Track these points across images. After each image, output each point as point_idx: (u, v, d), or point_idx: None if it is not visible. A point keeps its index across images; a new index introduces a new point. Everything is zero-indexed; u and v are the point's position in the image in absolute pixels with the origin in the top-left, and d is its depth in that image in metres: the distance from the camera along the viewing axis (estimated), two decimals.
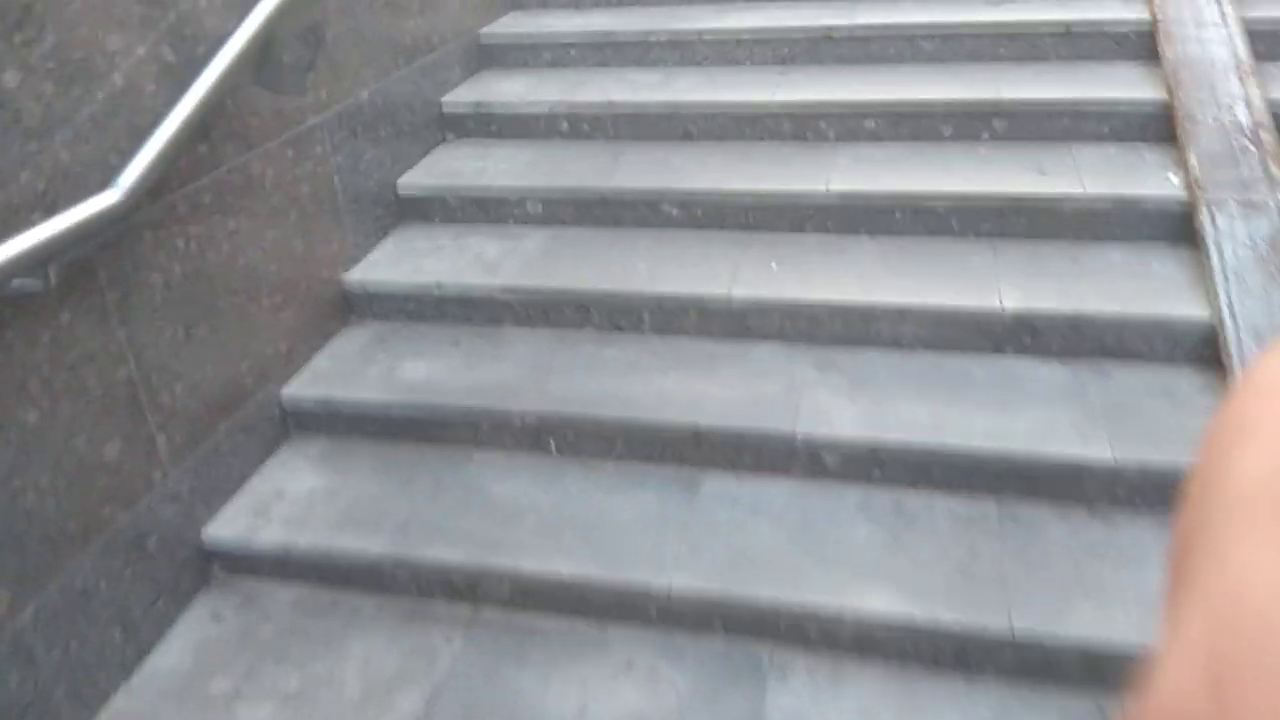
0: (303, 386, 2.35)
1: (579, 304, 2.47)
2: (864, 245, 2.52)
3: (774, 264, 2.47)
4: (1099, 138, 2.67)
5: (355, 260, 2.63)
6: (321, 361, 2.44)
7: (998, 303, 2.23)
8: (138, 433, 1.91)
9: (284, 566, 2.05)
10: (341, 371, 2.39)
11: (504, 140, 3.06)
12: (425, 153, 2.98)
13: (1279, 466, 0.25)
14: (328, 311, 2.52)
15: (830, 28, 3.08)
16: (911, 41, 3.04)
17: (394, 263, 2.64)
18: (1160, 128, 2.61)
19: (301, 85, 2.37)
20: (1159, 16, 2.81)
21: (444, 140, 3.09)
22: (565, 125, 3.03)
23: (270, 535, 2.05)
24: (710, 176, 2.70)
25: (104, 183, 1.75)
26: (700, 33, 3.18)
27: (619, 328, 2.47)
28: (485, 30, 3.33)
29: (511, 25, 3.42)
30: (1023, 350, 2.24)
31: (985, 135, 2.75)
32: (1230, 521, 0.25)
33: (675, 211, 2.68)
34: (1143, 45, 2.87)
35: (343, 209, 2.56)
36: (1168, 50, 2.69)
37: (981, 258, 2.42)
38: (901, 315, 2.28)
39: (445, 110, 3.07)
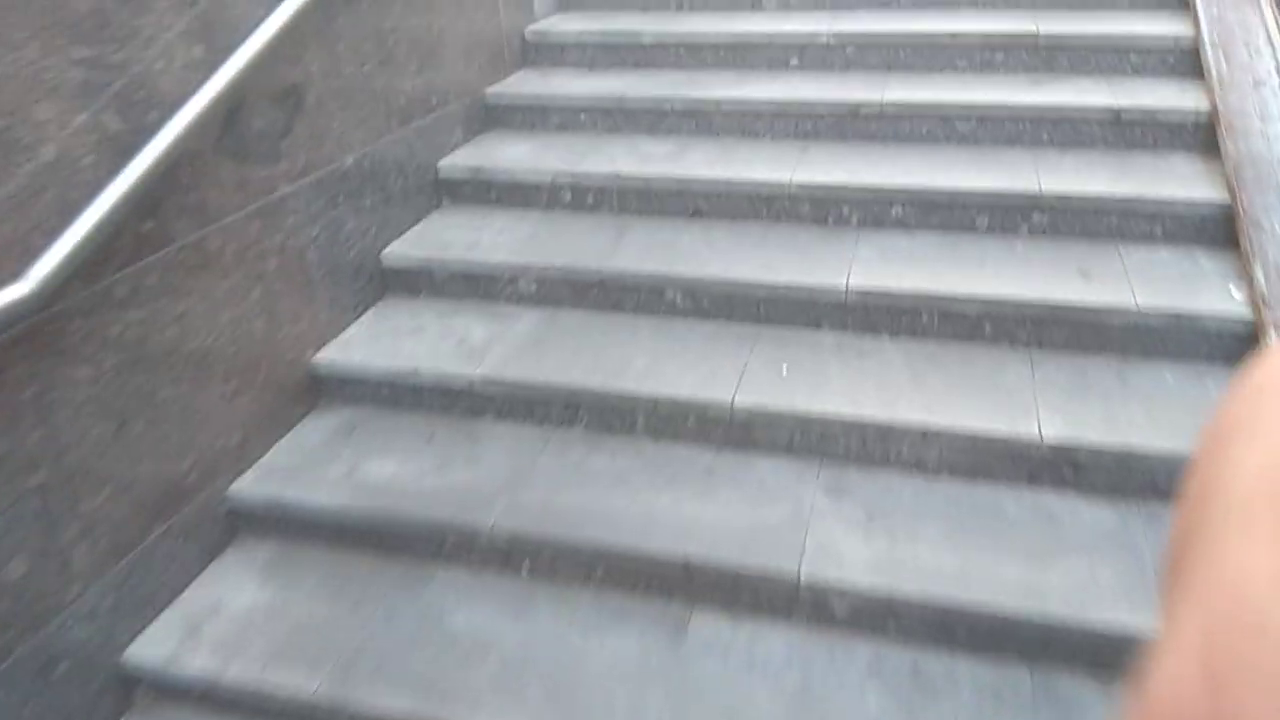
0: (254, 484, 2.12)
1: (568, 401, 2.23)
2: (886, 350, 2.28)
3: (785, 367, 2.22)
4: (1150, 239, 2.42)
5: (328, 339, 2.41)
6: (279, 455, 2.21)
7: (1035, 429, 1.97)
8: (49, 547, 1.68)
9: (210, 700, 1.80)
10: (299, 467, 2.16)
11: (503, 209, 2.85)
12: (417, 220, 2.78)
13: (1276, 465, 0.25)
14: (292, 396, 2.30)
15: (858, 103, 2.86)
16: (946, 122, 2.81)
17: (370, 342, 2.42)
18: (1220, 232, 2.36)
19: (274, 152, 2.17)
20: (1220, 107, 2.57)
21: (439, 206, 2.88)
22: (568, 196, 2.82)
23: (198, 661, 1.81)
24: (719, 262, 2.47)
25: (24, 269, 1.54)
26: (718, 102, 2.97)
27: (610, 429, 2.23)
28: (491, 89, 3.14)
29: (520, 85, 3.22)
30: (1062, 484, 1.98)
31: (1024, 229, 2.51)
32: (1227, 520, 0.24)
33: (679, 299, 2.45)
34: (1200, 137, 2.63)
35: (316, 284, 2.35)
36: (1230, 145, 2.45)
37: (1017, 372, 2.16)
38: (925, 437, 2.02)
39: (442, 175, 2.87)
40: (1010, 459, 1.99)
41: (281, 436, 2.26)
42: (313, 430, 2.29)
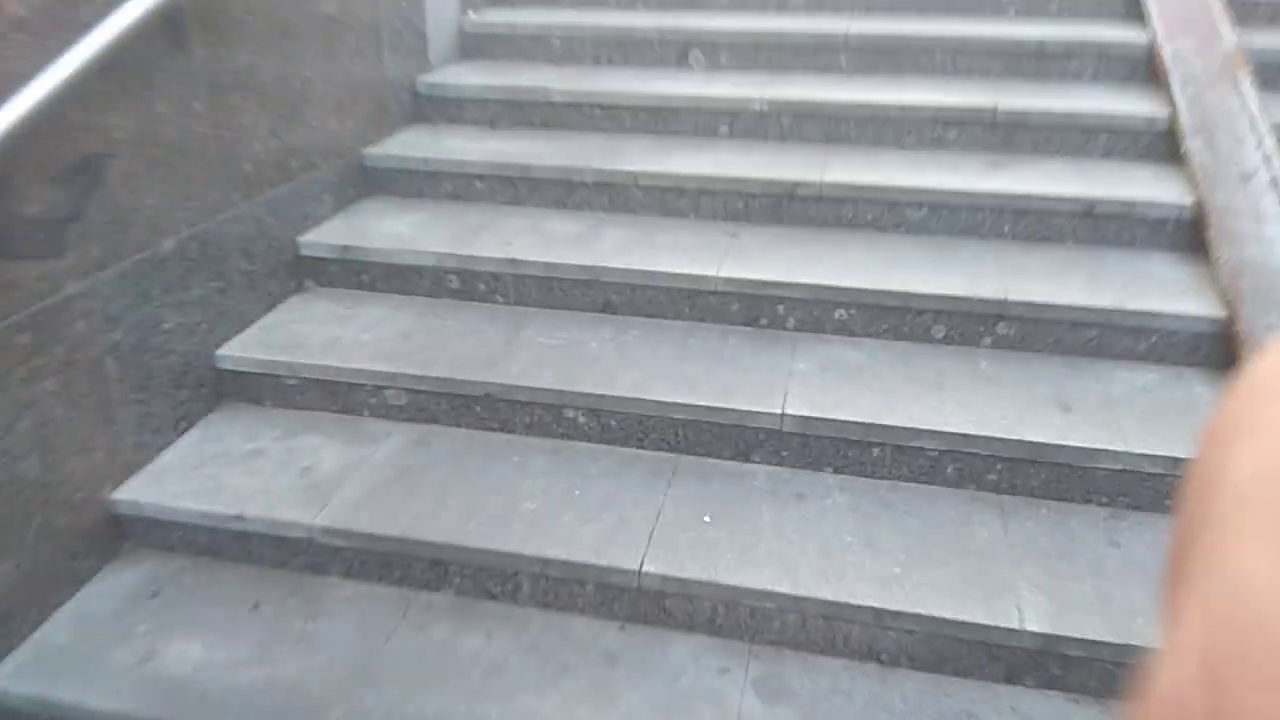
0: (15, 677, 1.60)
1: (435, 558, 1.77)
2: (830, 493, 1.87)
3: (707, 517, 1.80)
4: (1135, 358, 2.07)
5: (135, 469, 1.91)
6: (56, 630, 1.70)
7: (1014, 613, 1.57)
8: None
9: None
10: (79, 650, 1.65)
11: (376, 296, 2.39)
12: (268, 308, 2.29)
13: (1275, 466, 0.25)
14: (81, 548, 1.79)
15: (795, 183, 2.48)
16: (895, 209, 2.45)
17: (190, 473, 1.92)
18: (1216, 353, 2.02)
19: (56, 243, 1.68)
20: (1206, 203, 2.25)
21: (300, 290, 2.41)
22: (455, 282, 2.37)
23: None
24: (632, 373, 2.05)
25: None
26: (636, 175, 2.57)
27: (487, 595, 1.77)
28: (371, 150, 2.69)
29: (407, 145, 2.77)
30: (1049, 685, 1.58)
31: (987, 341, 2.14)
32: (1227, 522, 0.24)
33: (582, 419, 2.02)
34: (1184, 235, 2.30)
35: (118, 402, 1.85)
36: (1222, 251, 2.12)
37: (989, 530, 1.77)
38: (880, 618, 1.61)
39: (303, 253, 2.39)
40: (985, 651, 1.59)
41: (64, 603, 1.75)
42: (105, 593, 1.78)
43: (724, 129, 2.83)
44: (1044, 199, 2.37)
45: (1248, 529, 0.24)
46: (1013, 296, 2.10)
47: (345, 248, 2.39)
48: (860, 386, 2.00)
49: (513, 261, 2.32)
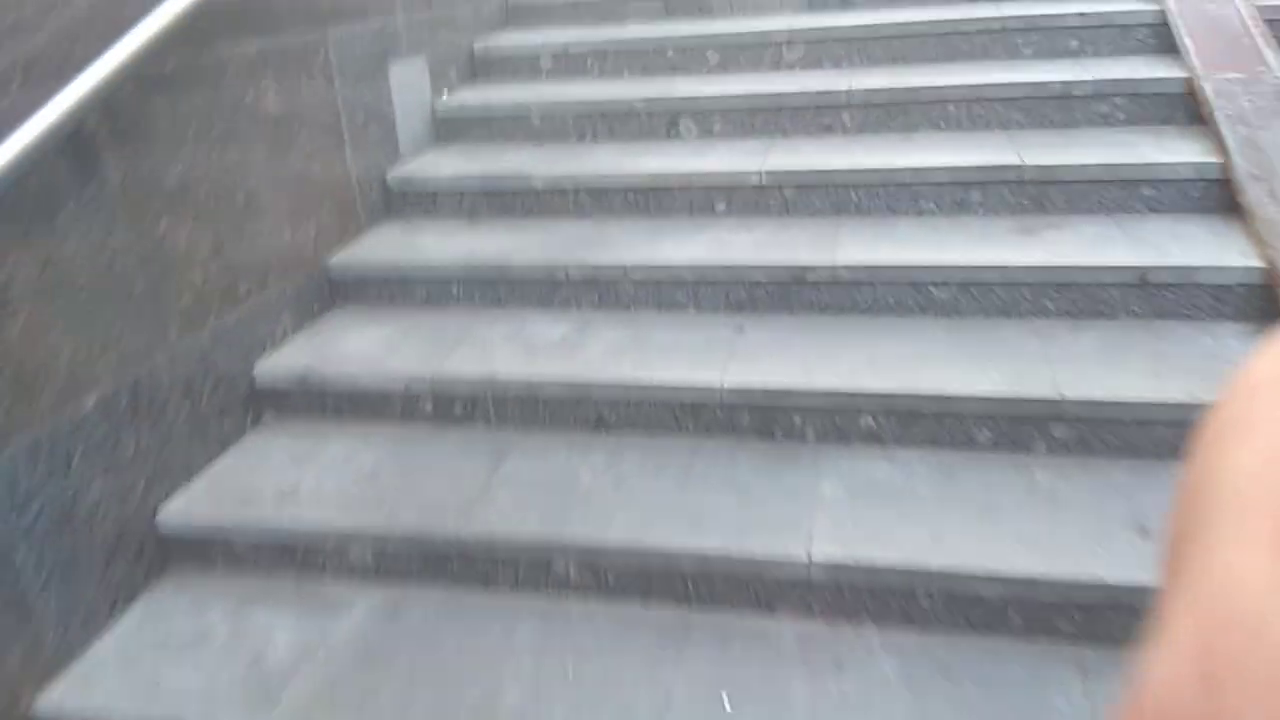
0: None
1: None
2: (875, 657, 1.57)
3: (726, 700, 1.50)
4: None
5: (61, 668, 1.64)
6: None
7: None
8: None
9: None
10: None
11: (343, 424, 2.13)
12: (220, 453, 2.04)
13: (1269, 465, 0.25)
14: None
15: (805, 267, 2.21)
16: (919, 289, 2.17)
17: (123, 668, 1.65)
18: None
19: None
20: (1277, 264, 1.96)
21: (257, 424, 2.15)
22: (429, 406, 2.11)
23: None
24: (629, 514, 1.77)
25: None
26: (627, 268, 2.30)
27: None
28: (337, 258, 2.44)
29: (376, 247, 2.53)
30: None
31: (1042, 447, 1.85)
32: (1222, 519, 0.25)
33: (574, 573, 1.74)
34: (1256, 303, 2.01)
35: (35, 595, 1.59)
36: None
37: (1067, 696, 1.46)
38: None
39: (259, 384, 2.14)
40: None
41: None
42: None
43: (721, 206, 2.57)
44: (1088, 269, 2.09)
45: (1243, 528, 0.23)
46: (1067, 393, 1.81)
47: (306, 374, 2.14)
48: (898, 515, 1.71)
49: (491, 381, 2.05)
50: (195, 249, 1.96)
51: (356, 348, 2.23)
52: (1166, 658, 0.23)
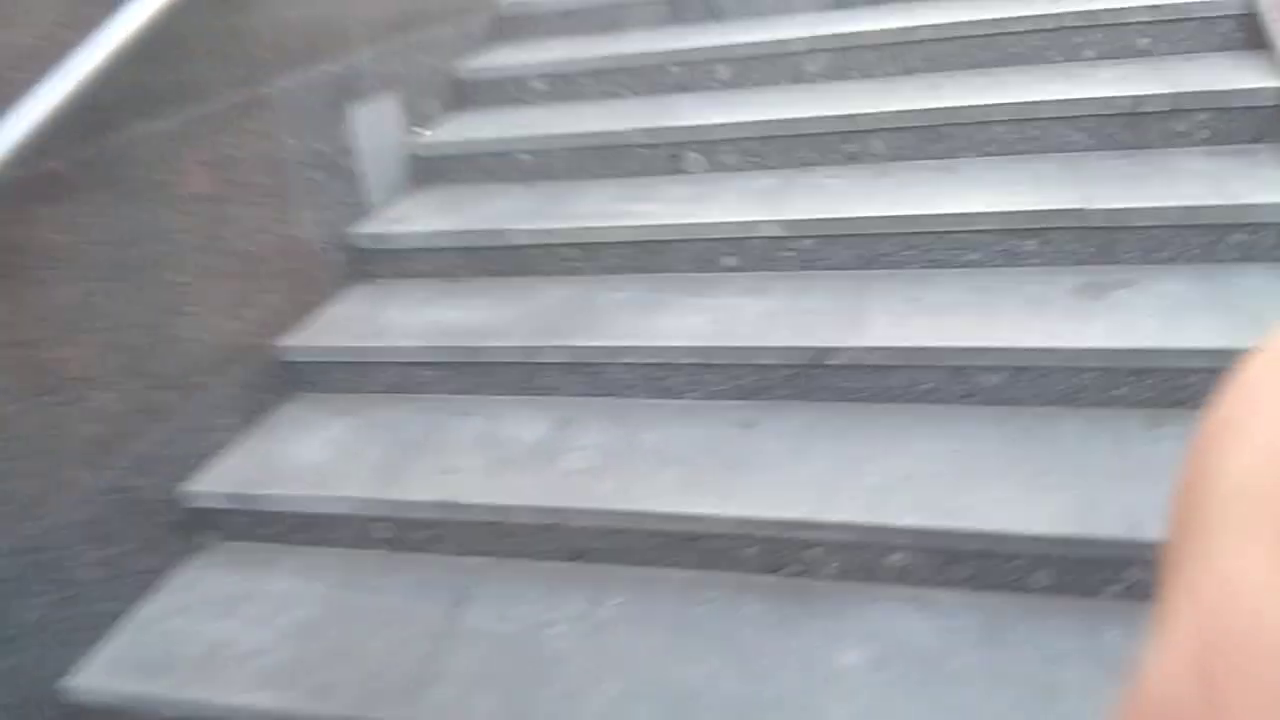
0: None
1: None
2: None
3: None
4: None
5: None
6: None
7: None
8: None
9: None
10: None
11: (289, 551, 1.85)
12: (147, 593, 1.77)
13: (1268, 463, 0.25)
14: None
15: (825, 349, 1.86)
16: (960, 374, 1.81)
17: None
18: None
19: None
20: None
21: (195, 551, 1.88)
22: (385, 534, 1.82)
23: None
24: (607, 690, 1.46)
25: None
26: (616, 350, 1.98)
27: None
28: (290, 341, 2.15)
29: (336, 323, 2.24)
30: None
31: (1114, 590, 1.49)
32: (1220, 518, 0.24)
33: None
34: None
35: None
36: None
37: None
38: None
39: (198, 503, 1.87)
40: None
41: None
42: None
43: (731, 260, 2.22)
44: (1165, 353, 1.71)
45: (1241, 526, 0.23)
46: (1147, 530, 1.45)
47: (246, 495, 1.86)
48: (933, 702, 1.37)
49: (454, 505, 1.75)
50: (101, 373, 1.68)
51: (307, 456, 1.94)
52: (1165, 656, 0.23)
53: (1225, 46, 2.43)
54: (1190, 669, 0.22)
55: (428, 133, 2.72)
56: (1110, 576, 1.49)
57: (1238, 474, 0.25)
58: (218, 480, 1.89)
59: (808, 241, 2.16)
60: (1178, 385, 1.72)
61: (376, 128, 2.53)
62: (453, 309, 2.23)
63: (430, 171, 2.67)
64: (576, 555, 1.72)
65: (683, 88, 2.79)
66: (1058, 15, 2.53)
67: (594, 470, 1.78)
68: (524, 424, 1.95)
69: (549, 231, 2.30)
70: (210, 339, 1.96)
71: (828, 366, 1.87)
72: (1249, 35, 2.40)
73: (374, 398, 2.12)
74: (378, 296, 2.34)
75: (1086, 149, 2.27)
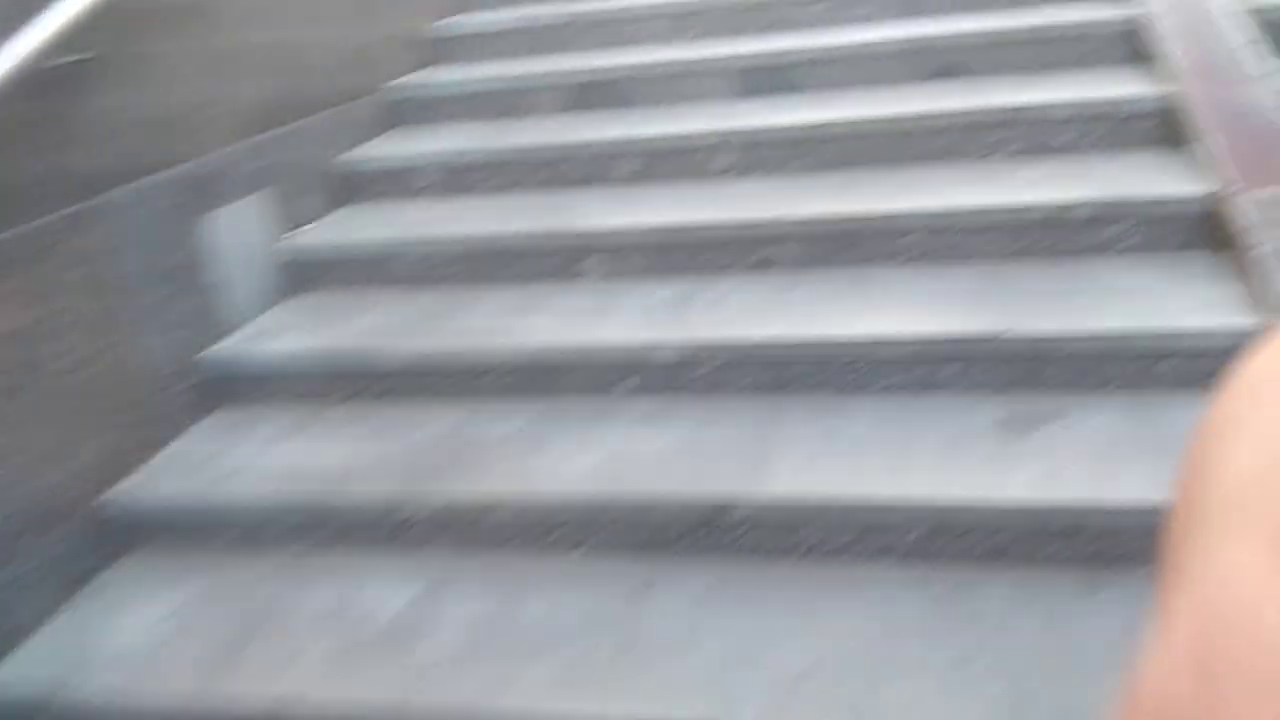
0: None
1: None
2: None
3: None
4: None
5: None
6: None
7: None
8: None
9: None
10: None
11: None
12: None
13: (1268, 461, 0.24)
14: None
15: (723, 506, 1.65)
16: (874, 530, 1.61)
17: None
18: None
19: None
20: None
21: None
22: None
23: None
24: None
25: None
26: (490, 506, 1.74)
27: None
28: (124, 495, 1.87)
29: (176, 467, 1.96)
30: None
31: None
32: (1219, 518, 0.24)
33: None
34: None
35: None
36: None
37: None
38: None
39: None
40: None
41: None
42: None
43: (630, 383, 2.01)
44: (1095, 511, 1.53)
45: (1239, 525, 0.23)
46: None
47: (56, 693, 1.57)
48: None
49: (286, 709, 1.49)
50: None
51: (130, 638, 1.66)
52: (1164, 653, 0.23)
53: (1148, 142, 2.32)
54: (1188, 665, 0.22)
55: (304, 233, 2.48)
56: None
57: (1237, 471, 0.25)
58: (28, 671, 1.61)
59: (713, 365, 1.96)
60: (1112, 544, 1.54)
61: (241, 232, 2.29)
62: (313, 444, 1.98)
63: (304, 278, 2.43)
64: None
65: (585, 181, 2.60)
66: (973, 112, 2.40)
67: (459, 659, 1.53)
68: (386, 590, 1.70)
69: (426, 355, 2.07)
70: (24, 497, 1.68)
71: (727, 524, 1.65)
72: (1173, 135, 2.28)
73: (218, 557, 1.85)
74: (232, 429, 2.07)
75: (1006, 256, 2.11)
